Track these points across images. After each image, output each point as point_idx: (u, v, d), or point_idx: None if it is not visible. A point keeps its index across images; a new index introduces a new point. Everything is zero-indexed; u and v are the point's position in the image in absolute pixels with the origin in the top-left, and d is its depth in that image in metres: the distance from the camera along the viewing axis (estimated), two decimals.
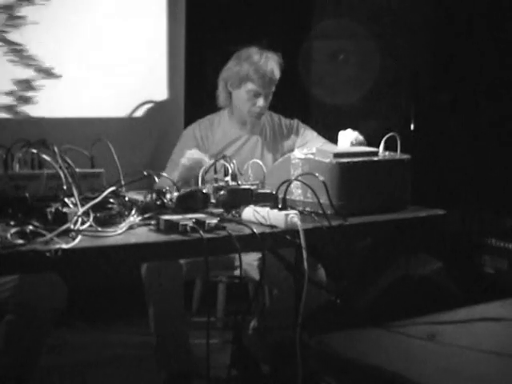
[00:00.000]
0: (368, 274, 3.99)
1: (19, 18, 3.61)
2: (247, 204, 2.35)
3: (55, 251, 1.90)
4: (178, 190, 2.38)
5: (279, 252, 2.82)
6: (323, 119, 3.49)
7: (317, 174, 2.39)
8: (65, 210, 2.08)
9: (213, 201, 2.42)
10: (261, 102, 3.26)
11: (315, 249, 2.87)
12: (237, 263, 3.19)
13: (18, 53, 3.63)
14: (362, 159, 2.53)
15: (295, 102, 4.08)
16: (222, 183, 2.49)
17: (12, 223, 2.03)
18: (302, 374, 2.22)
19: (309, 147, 3.19)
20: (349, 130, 2.96)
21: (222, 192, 2.41)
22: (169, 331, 3.12)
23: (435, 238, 4.03)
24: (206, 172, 2.58)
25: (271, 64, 3.26)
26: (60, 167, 2.18)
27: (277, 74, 3.28)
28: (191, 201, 2.34)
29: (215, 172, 2.58)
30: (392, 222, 2.51)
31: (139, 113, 3.96)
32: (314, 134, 3.39)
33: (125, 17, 3.85)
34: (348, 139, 2.92)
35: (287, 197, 2.32)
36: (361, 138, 2.94)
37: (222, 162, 2.56)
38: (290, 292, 2.72)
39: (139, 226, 2.19)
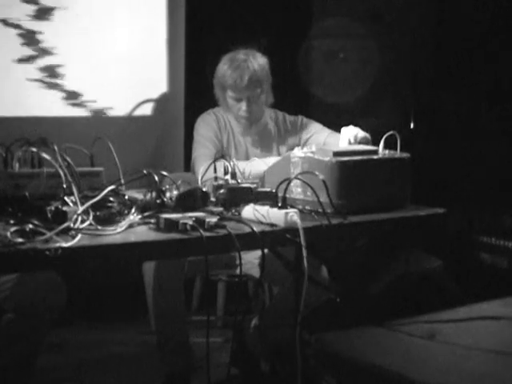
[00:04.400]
0: (368, 273, 3.99)
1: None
2: (247, 202, 2.35)
3: (55, 250, 1.90)
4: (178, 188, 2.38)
5: (279, 250, 2.82)
6: (323, 118, 3.48)
7: (317, 173, 2.39)
8: (64, 208, 2.08)
9: (212, 199, 2.42)
10: (243, 106, 3.22)
11: (317, 248, 2.87)
12: (238, 261, 3.19)
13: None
14: (362, 158, 2.52)
15: (295, 101, 4.08)
16: (221, 182, 2.49)
17: (12, 222, 2.03)
18: (301, 372, 2.22)
19: (315, 140, 3.20)
20: (351, 127, 2.95)
21: (221, 190, 2.41)
22: (169, 329, 3.12)
23: (435, 236, 4.03)
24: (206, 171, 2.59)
25: (249, 66, 3.19)
26: (60, 166, 2.18)
27: (256, 74, 3.20)
28: (191, 199, 2.34)
29: (215, 171, 2.58)
30: (392, 220, 2.51)
31: (139, 112, 3.96)
32: (319, 126, 3.34)
33: (124, 16, 3.86)
34: (347, 137, 2.91)
35: (287, 195, 2.32)
36: (362, 134, 2.91)
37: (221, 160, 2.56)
38: (290, 290, 2.72)
39: (139, 224, 2.19)
